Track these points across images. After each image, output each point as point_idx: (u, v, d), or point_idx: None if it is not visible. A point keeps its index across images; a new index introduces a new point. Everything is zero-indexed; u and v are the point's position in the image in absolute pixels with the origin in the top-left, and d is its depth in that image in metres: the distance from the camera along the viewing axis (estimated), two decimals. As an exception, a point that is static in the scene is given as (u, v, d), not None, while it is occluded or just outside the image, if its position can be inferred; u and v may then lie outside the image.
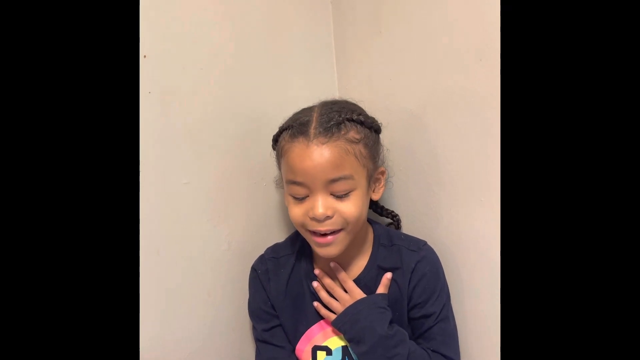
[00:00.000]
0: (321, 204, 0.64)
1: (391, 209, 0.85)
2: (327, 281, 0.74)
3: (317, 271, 0.75)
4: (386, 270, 0.74)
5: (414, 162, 0.80)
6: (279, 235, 0.93)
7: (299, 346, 0.76)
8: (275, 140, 0.71)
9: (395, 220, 0.84)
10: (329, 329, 0.75)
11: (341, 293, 0.73)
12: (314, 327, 0.76)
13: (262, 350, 0.77)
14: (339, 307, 0.72)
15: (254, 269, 0.79)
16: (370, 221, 0.79)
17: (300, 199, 0.67)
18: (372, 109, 0.75)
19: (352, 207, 0.65)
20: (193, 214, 0.80)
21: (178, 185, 0.78)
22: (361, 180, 0.66)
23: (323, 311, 0.74)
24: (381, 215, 0.85)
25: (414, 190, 0.83)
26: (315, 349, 0.74)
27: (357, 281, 0.74)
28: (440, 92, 0.76)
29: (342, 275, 0.73)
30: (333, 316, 0.72)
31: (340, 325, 0.71)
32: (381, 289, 0.73)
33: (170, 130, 0.76)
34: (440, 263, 0.75)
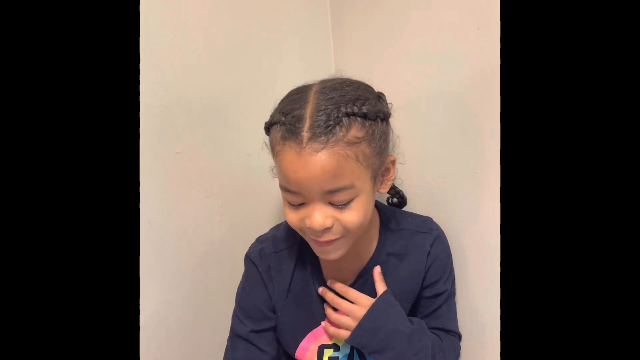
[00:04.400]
0: (318, 215, 0.57)
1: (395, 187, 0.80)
2: (330, 296, 0.69)
3: (321, 289, 0.70)
4: (395, 257, 0.71)
5: (409, 134, 0.79)
6: (272, 207, 0.93)
7: (302, 344, 0.72)
8: (267, 129, 0.61)
9: (402, 199, 0.81)
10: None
11: (347, 306, 0.67)
12: (322, 325, 0.72)
13: (239, 348, 0.71)
14: (349, 322, 0.66)
15: (253, 264, 0.72)
16: (375, 203, 0.71)
17: (296, 206, 0.59)
18: (368, 81, 0.74)
19: (353, 216, 0.58)
20: (185, 184, 0.79)
21: (170, 154, 0.77)
22: (364, 184, 0.58)
23: (331, 330, 0.69)
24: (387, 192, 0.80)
25: (409, 168, 0.82)
26: (322, 347, 0.71)
27: (366, 270, 0.70)
28: (438, 62, 0.74)
29: (341, 287, 0.69)
30: (345, 334, 0.67)
31: (359, 340, 0.64)
32: (381, 287, 0.68)
33: (162, 99, 0.74)
34: (447, 239, 0.74)
